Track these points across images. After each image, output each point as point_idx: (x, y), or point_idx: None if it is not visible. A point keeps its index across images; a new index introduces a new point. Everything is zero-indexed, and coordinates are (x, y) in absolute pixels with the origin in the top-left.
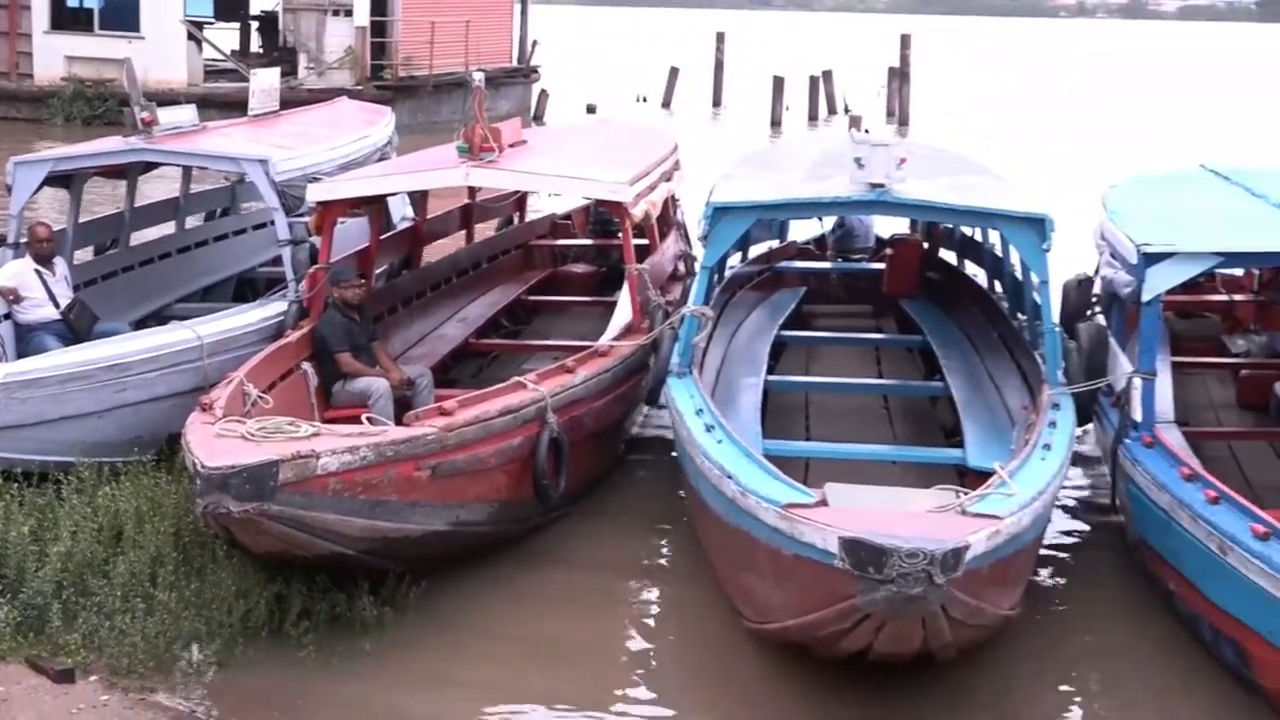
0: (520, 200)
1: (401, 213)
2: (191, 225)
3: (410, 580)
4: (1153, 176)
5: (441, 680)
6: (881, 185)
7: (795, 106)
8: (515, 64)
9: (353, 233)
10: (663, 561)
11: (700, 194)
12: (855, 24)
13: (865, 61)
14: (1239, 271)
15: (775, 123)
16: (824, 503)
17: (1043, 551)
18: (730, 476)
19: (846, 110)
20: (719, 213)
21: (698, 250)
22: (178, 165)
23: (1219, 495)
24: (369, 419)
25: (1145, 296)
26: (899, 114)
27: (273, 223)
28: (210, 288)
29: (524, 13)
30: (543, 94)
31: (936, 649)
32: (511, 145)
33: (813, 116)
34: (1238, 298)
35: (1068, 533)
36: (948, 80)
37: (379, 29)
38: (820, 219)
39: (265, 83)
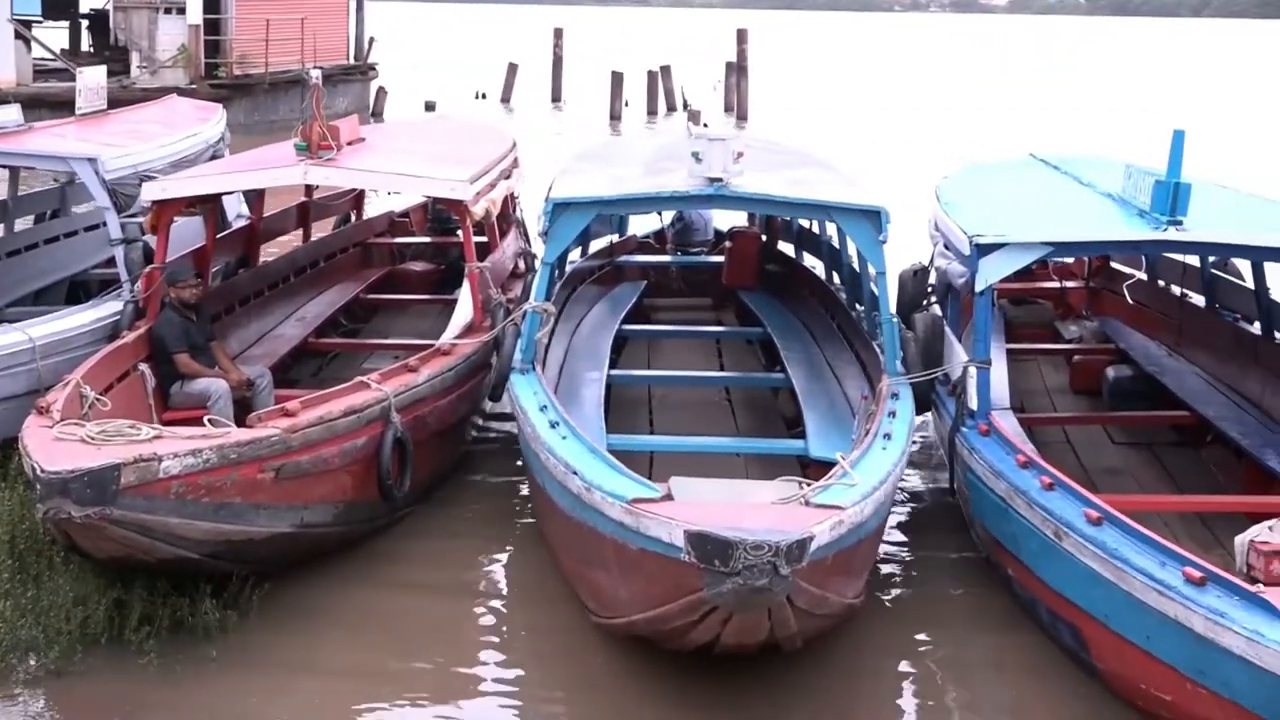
0: (358, 198)
1: (237, 211)
2: (21, 228)
3: (254, 583)
4: (983, 166)
5: (287, 682)
6: (719, 179)
7: (634, 101)
8: (353, 61)
9: (188, 231)
10: (509, 558)
11: (540, 190)
12: (693, 19)
13: (703, 56)
14: (1070, 260)
15: (615, 118)
16: (669, 496)
17: (885, 540)
18: (575, 472)
19: (685, 105)
20: (558, 208)
21: (538, 247)
22: (2, 166)
23: (1053, 481)
24: (210, 421)
25: (978, 286)
26: (737, 108)
27: (104, 223)
28: (41, 291)
29: (360, 10)
30: (381, 91)
31: (783, 639)
32: (350, 143)
33: (652, 111)
34: (1069, 285)
35: (909, 520)
36: (785, 75)
37: (213, 27)
38: (659, 213)
39: (92, 81)
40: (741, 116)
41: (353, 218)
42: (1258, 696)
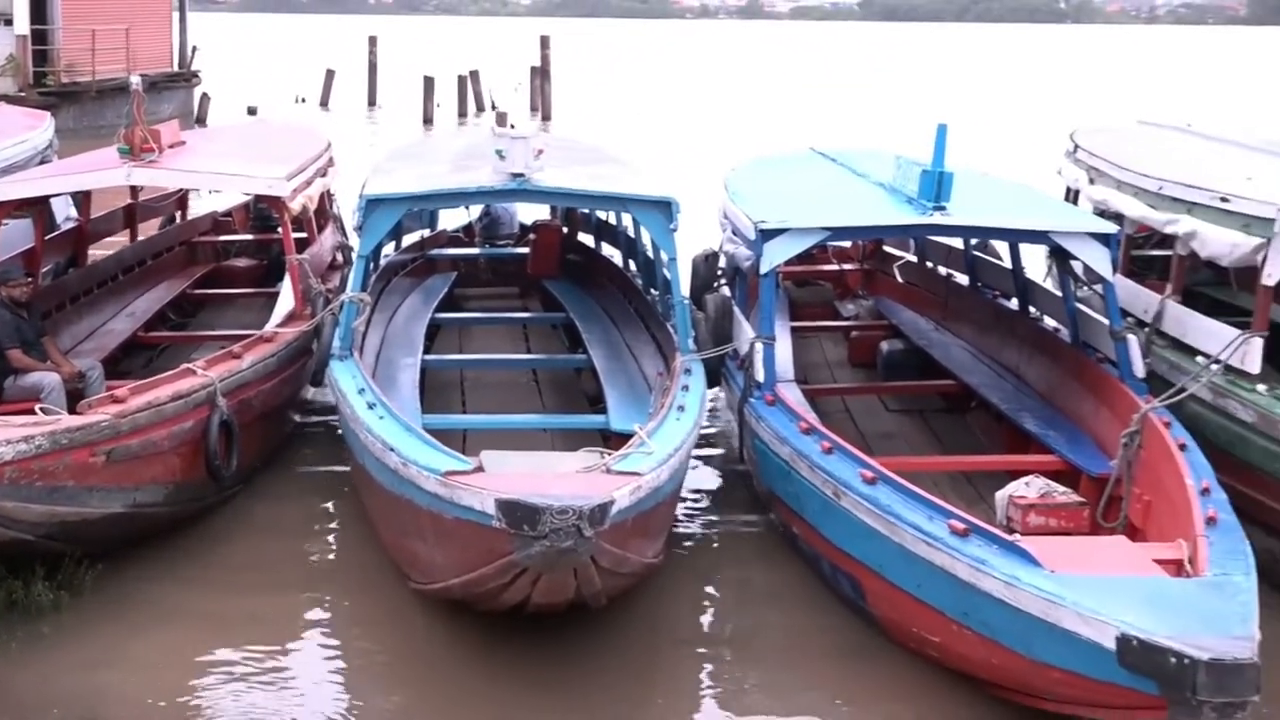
0: (182, 199)
1: (65, 213)
2: None
3: (87, 563)
4: (767, 159)
5: (121, 659)
6: (522, 174)
7: (446, 104)
8: (176, 69)
9: (16, 234)
10: (333, 532)
11: (355, 187)
12: (500, 27)
13: (510, 61)
14: (848, 244)
15: (427, 120)
16: (480, 469)
17: (681, 502)
18: (392, 449)
19: (493, 106)
20: (372, 204)
21: (354, 240)
22: None
23: (832, 446)
24: (42, 409)
25: (763, 269)
26: (542, 109)
27: None
28: None
29: (183, 20)
30: (204, 97)
31: (589, 597)
32: (171, 146)
33: (462, 113)
34: (847, 267)
35: (704, 485)
36: (587, 78)
37: (40, 36)
38: (467, 208)
39: None
40: (546, 117)
41: (178, 218)
42: (1014, 634)
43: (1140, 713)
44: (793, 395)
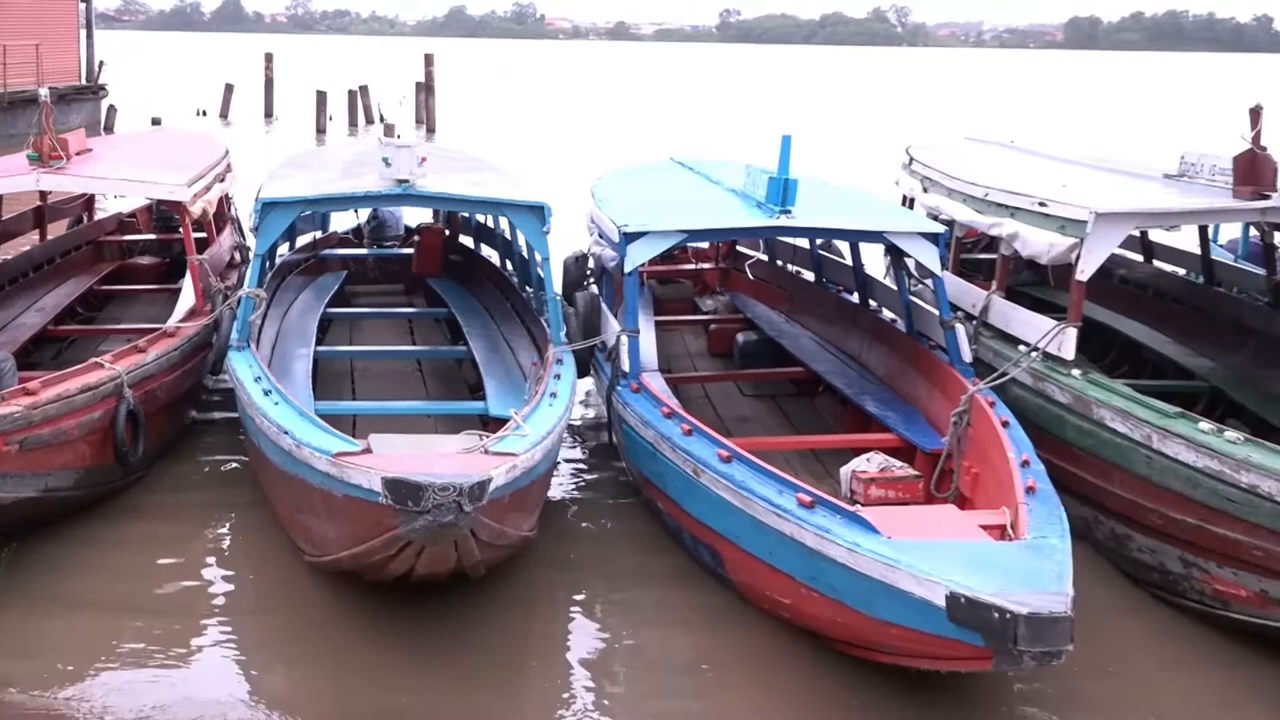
0: (89, 201)
1: None
2: None
3: (1, 543)
4: (630, 169)
5: (30, 642)
6: (406, 181)
7: (338, 116)
8: (84, 82)
9: None
10: (233, 511)
11: (253, 192)
12: (387, 45)
13: (397, 77)
14: (705, 245)
15: (321, 130)
16: (368, 450)
17: (555, 480)
18: (286, 432)
19: (381, 119)
20: (267, 207)
21: (251, 241)
22: None
23: (692, 428)
24: None
25: (627, 268)
26: (427, 122)
27: None
28: None
29: (90, 36)
30: (111, 109)
31: (469, 568)
32: (78, 153)
33: (353, 124)
34: (704, 266)
35: (577, 465)
36: (468, 92)
37: None
38: (356, 211)
39: None
40: (430, 129)
41: (85, 219)
42: (856, 595)
43: (967, 663)
44: (656, 383)
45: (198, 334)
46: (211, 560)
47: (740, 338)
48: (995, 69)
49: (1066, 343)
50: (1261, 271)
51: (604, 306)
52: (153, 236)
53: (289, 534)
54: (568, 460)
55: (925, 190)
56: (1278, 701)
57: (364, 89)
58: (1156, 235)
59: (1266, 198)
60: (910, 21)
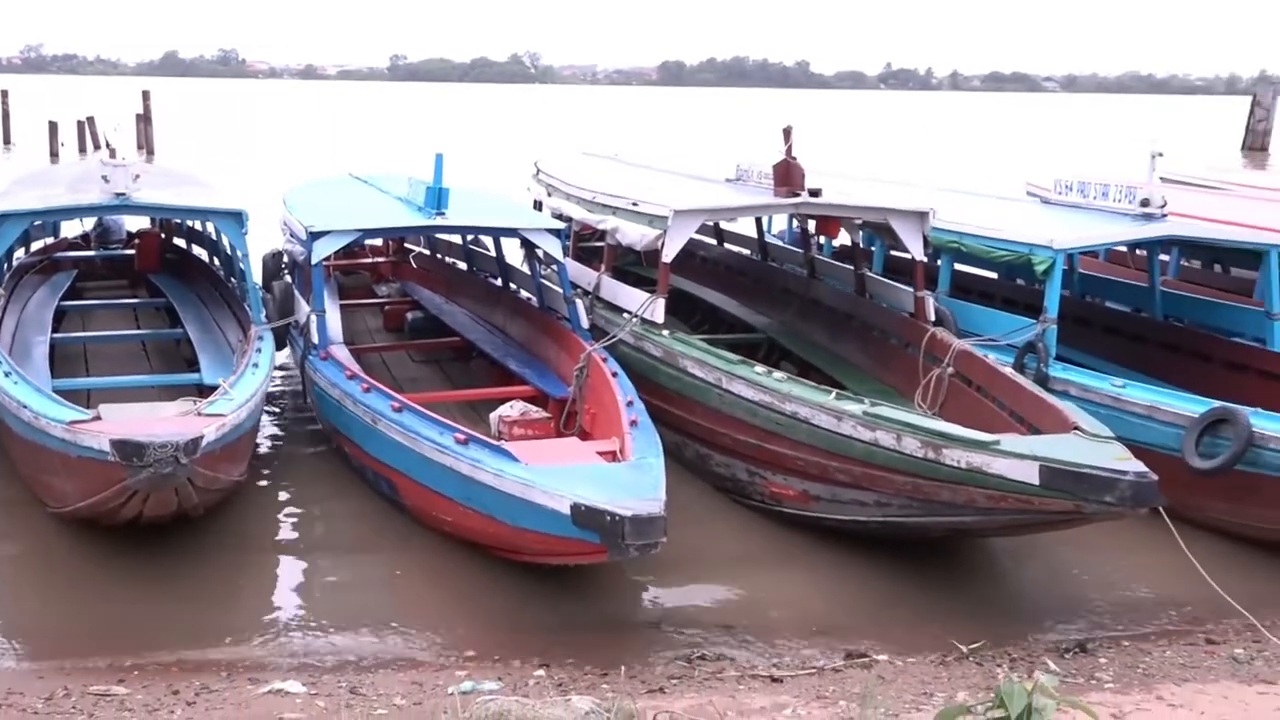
0: None
1: None
2: None
3: None
4: (316, 181)
5: None
6: (123, 194)
7: (69, 143)
8: None
9: None
10: None
11: None
12: (111, 84)
13: (121, 109)
14: (380, 241)
15: (54, 155)
16: (98, 418)
17: (261, 434)
18: (26, 406)
19: (107, 144)
20: (3, 219)
21: None
22: None
23: (370, 386)
24: None
25: (313, 261)
26: (146, 146)
27: None
28: None
29: None
30: None
31: (189, 509)
32: None
33: (82, 150)
34: (379, 259)
35: (279, 421)
36: (183, 123)
37: None
38: (82, 221)
39: None
40: (150, 152)
41: None
42: (502, 510)
43: (589, 557)
44: (341, 353)
45: None
46: None
47: (410, 316)
48: (606, 101)
49: (657, 309)
50: (800, 251)
51: (296, 293)
52: None
53: (34, 491)
54: (271, 417)
55: (550, 195)
56: (810, 561)
57: (91, 119)
58: (726, 225)
59: (797, 195)
60: (541, 64)
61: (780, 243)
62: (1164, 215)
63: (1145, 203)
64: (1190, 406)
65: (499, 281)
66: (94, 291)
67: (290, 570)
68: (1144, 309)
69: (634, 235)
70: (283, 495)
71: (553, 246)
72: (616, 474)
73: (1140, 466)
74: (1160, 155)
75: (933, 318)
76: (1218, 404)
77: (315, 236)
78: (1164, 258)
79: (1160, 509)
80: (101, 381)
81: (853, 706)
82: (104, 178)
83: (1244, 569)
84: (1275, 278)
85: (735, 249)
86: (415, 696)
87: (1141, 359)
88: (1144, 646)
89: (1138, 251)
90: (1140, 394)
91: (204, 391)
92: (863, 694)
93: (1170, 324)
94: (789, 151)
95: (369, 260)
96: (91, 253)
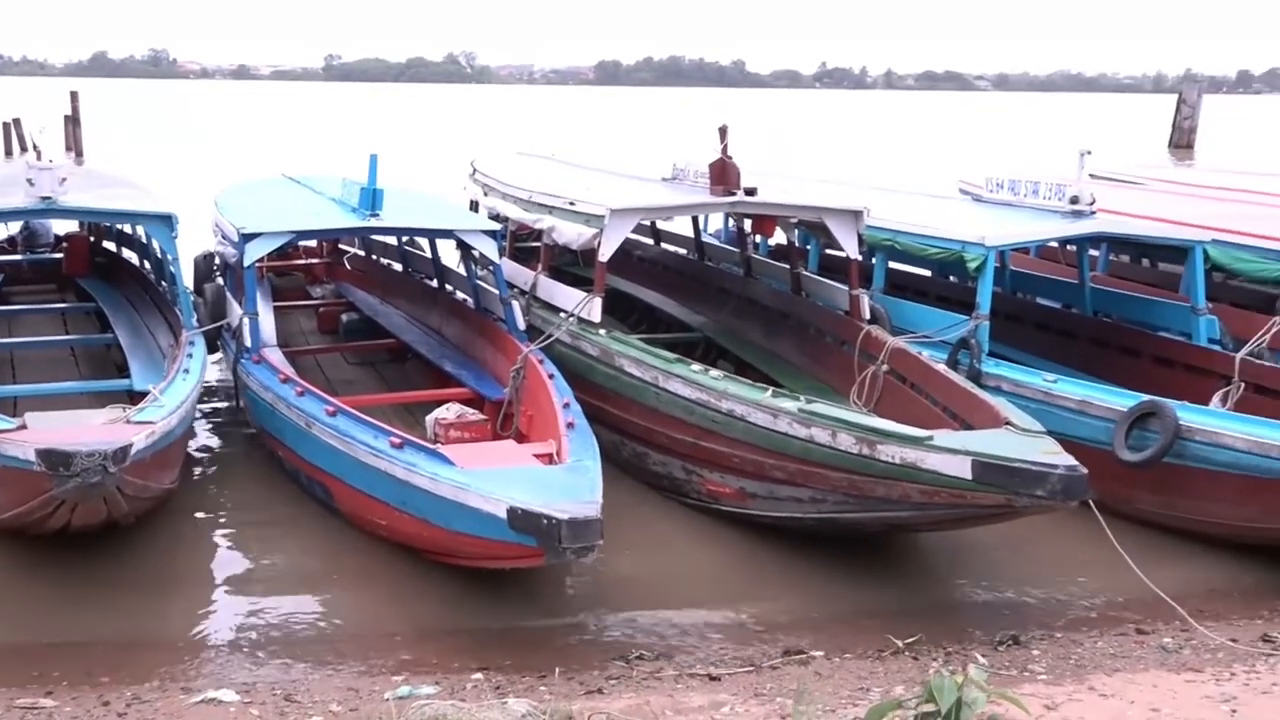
0: None
1: None
2: None
3: None
4: (248, 183)
5: None
6: (50, 197)
7: None
8: None
9: None
10: None
11: None
12: (38, 84)
13: (48, 111)
14: (314, 243)
15: None
16: (24, 426)
17: (193, 441)
18: None
19: (34, 147)
20: None
21: None
22: None
23: (304, 390)
24: None
25: (246, 263)
26: (75, 148)
27: None
28: None
29: None
30: None
31: (119, 518)
32: None
33: (8, 152)
34: (314, 261)
35: (211, 426)
36: (114, 124)
37: None
38: (6, 225)
39: None
40: (79, 154)
41: None
42: (438, 513)
43: (525, 560)
44: (275, 356)
45: None
46: None
47: (344, 318)
48: (543, 101)
49: (594, 309)
50: (737, 250)
51: (229, 295)
52: None
53: None
54: (205, 422)
55: (486, 194)
56: (747, 559)
57: (17, 121)
58: (662, 224)
59: (733, 194)
60: (477, 64)
61: (717, 242)
62: (1093, 212)
63: (1075, 200)
64: (1119, 401)
65: (434, 283)
66: (20, 296)
67: (223, 577)
68: (1074, 305)
69: (570, 234)
70: (215, 501)
71: (488, 248)
72: (553, 477)
73: (1070, 460)
74: (1089, 153)
75: (868, 315)
76: (1146, 398)
77: (248, 238)
78: (1094, 253)
79: (1090, 502)
80: (29, 389)
81: (789, 703)
82: (29, 181)
83: (1172, 560)
84: (1200, 274)
85: (672, 249)
86: (351, 703)
87: (1072, 354)
88: (1076, 638)
89: (1068, 248)
90: (1071, 389)
91: (135, 398)
92: (799, 690)
93: (1100, 320)
94: (725, 150)
95: (303, 262)
96: (18, 256)
